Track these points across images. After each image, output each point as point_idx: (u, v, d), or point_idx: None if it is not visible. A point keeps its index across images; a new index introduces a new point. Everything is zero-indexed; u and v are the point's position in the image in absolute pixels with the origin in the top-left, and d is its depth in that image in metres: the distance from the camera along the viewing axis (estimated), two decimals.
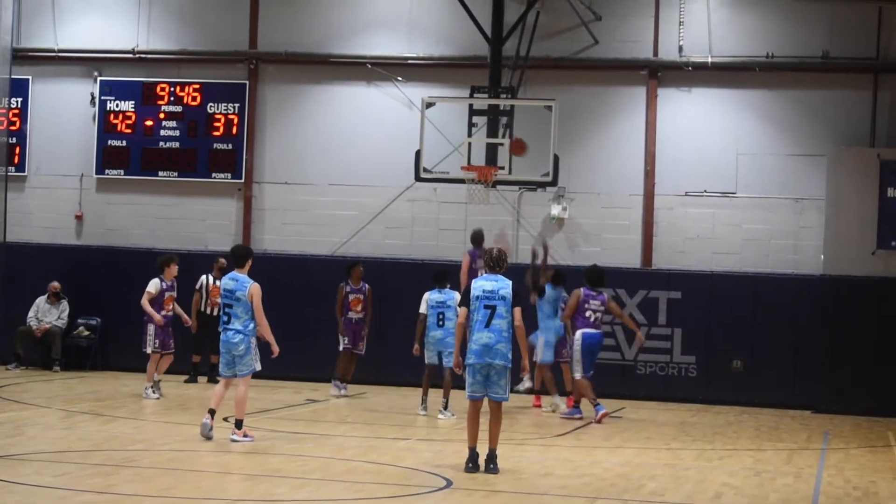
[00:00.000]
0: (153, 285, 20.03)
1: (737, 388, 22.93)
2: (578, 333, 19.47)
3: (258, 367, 15.78)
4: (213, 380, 22.15)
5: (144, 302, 19.94)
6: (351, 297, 21.49)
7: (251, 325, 15.56)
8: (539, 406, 20.73)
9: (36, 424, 16.83)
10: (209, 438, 15.32)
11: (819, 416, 21.88)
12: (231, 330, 15.57)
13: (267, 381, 22.57)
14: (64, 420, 17.48)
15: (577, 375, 19.50)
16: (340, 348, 21.50)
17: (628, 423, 19.56)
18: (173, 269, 20.25)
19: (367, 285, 21.58)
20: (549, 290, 20.34)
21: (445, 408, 19.04)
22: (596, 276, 19.87)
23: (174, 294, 20.28)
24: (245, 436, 15.48)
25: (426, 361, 19.62)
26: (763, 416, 21.41)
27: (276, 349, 15.87)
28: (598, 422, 19.07)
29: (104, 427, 16.68)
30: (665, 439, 17.70)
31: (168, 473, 13.18)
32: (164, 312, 20.05)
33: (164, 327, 20.02)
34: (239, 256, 15.92)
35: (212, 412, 15.51)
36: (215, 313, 21.65)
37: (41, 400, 19.53)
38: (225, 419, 16.38)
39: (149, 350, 20.06)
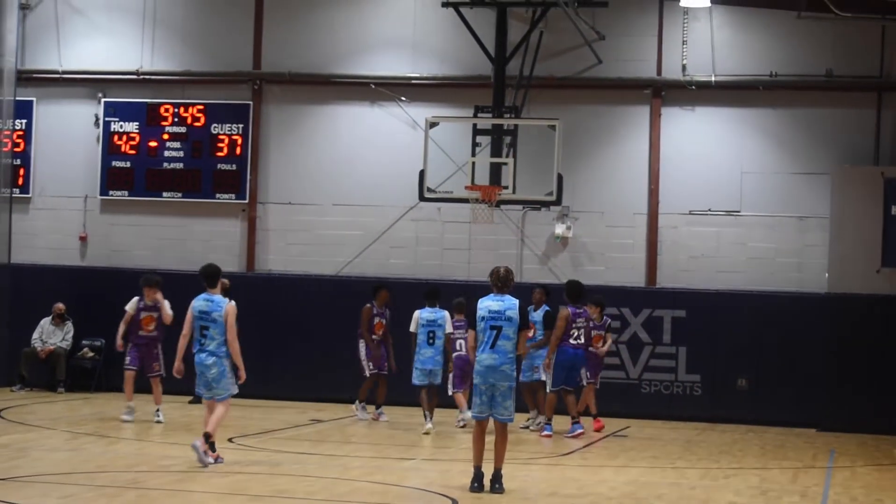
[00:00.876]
0: (130, 305, 19.92)
1: (742, 407, 22.89)
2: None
3: (235, 390, 15.28)
4: None
5: (122, 324, 19.85)
6: (376, 320, 20.94)
7: (225, 348, 15.08)
8: (600, 428, 20.35)
9: (41, 446, 16.81)
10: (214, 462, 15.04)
11: (824, 434, 21.82)
12: (205, 352, 15.07)
13: (271, 401, 22.61)
14: (69, 442, 17.47)
15: (547, 388, 19.79)
16: (367, 374, 20.98)
17: (634, 442, 19.53)
18: (153, 292, 19.87)
19: (387, 310, 21.13)
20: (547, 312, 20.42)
21: (431, 418, 19.35)
22: (577, 292, 19.82)
23: (154, 315, 19.94)
24: (216, 459, 14.94)
25: (416, 383, 19.57)
26: (768, 435, 21.37)
27: (242, 375, 15.19)
28: (540, 436, 19.37)
29: (109, 448, 16.67)
30: (670, 458, 17.67)
31: (173, 495, 13.17)
32: (142, 332, 19.93)
33: (132, 349, 19.85)
34: (210, 276, 15.33)
35: (207, 436, 14.91)
36: None
37: (46, 421, 19.52)
38: (230, 440, 16.35)
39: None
